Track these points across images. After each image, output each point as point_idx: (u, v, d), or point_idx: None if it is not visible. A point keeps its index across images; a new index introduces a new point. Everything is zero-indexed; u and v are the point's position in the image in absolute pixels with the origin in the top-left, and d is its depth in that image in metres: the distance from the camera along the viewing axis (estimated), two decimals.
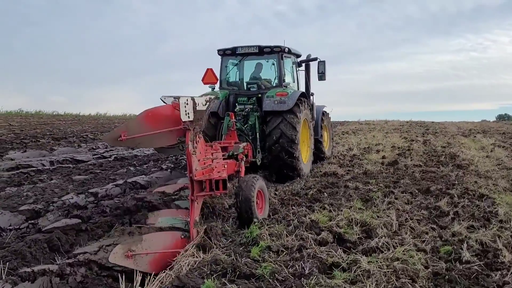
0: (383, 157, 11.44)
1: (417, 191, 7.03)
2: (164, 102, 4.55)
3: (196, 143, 4.53)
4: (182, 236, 4.17)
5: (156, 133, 3.98)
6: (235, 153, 6.56)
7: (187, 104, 3.99)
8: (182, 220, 4.58)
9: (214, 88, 8.99)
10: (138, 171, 8.68)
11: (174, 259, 3.88)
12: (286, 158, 8.02)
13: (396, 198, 6.50)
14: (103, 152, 11.45)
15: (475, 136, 18.26)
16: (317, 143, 10.41)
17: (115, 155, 10.76)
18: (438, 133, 20.09)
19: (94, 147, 12.69)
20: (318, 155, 10.60)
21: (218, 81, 9.05)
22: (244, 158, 6.38)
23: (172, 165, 9.60)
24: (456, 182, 7.96)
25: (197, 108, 4.19)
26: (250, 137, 8.26)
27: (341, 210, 5.67)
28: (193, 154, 4.30)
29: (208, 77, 8.80)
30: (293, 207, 5.94)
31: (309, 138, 9.37)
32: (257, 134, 8.31)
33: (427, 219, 5.48)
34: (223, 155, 6.23)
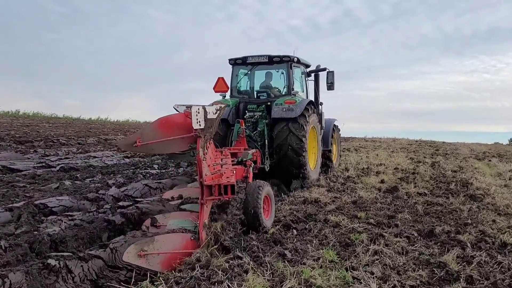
0: (382, 181, 9.67)
1: (416, 234, 5.26)
2: (177, 111, 4.76)
3: (206, 149, 4.60)
4: (192, 238, 4.30)
5: (169, 140, 4.18)
6: (244, 159, 6.60)
7: (199, 113, 4.17)
8: (191, 223, 4.64)
9: (225, 96, 9.17)
10: (74, 187, 7.04)
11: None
12: (293, 160, 8.16)
13: (386, 245, 4.74)
14: (55, 160, 9.86)
15: (490, 160, 16.38)
16: (326, 155, 10.62)
17: (64, 165, 9.15)
18: (448, 155, 18.21)
19: (51, 153, 11.10)
20: (326, 166, 10.78)
21: (229, 89, 9.27)
22: (253, 164, 6.44)
23: (123, 180, 7.95)
24: (469, 221, 6.19)
25: (208, 116, 4.32)
26: (259, 144, 8.43)
27: (303, 263, 3.95)
28: (203, 160, 4.42)
29: (219, 86, 9.04)
30: (241, 253, 4.22)
31: (317, 146, 9.51)
32: (266, 140, 8.49)
33: (425, 286, 3.72)
34: (232, 161, 6.21)
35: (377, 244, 4.68)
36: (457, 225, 5.98)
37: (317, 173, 9.45)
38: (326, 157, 10.64)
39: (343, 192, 8.40)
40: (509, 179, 11.10)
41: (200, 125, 4.17)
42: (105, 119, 37.40)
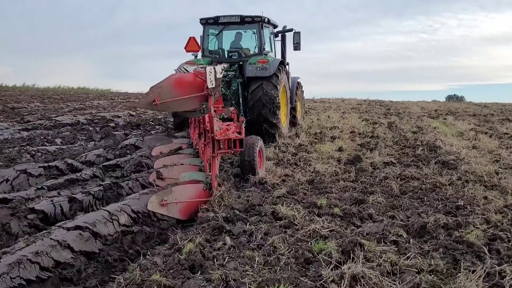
0: (340, 149, 8.08)
1: (405, 235, 3.62)
2: (186, 70, 5.61)
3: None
4: (204, 188, 4.74)
5: (184, 98, 4.33)
6: (226, 116, 7.02)
7: (211, 72, 4.38)
8: (203, 175, 5.06)
9: (196, 56, 9.20)
10: None
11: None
12: (268, 117, 8.38)
13: (367, 259, 3.06)
14: None
15: (445, 119, 15.43)
16: (291, 112, 10.67)
17: None
18: (401, 114, 17.14)
19: None
20: (292, 122, 10.84)
21: (200, 49, 9.31)
22: (244, 121, 6.33)
23: None
24: (460, 202, 4.72)
25: (217, 76, 4.53)
26: (233, 102, 8.64)
27: None
28: (215, 116, 4.87)
29: (191, 45, 9.06)
30: None
31: (286, 103, 9.79)
32: (240, 99, 8.80)
33: None
34: None
35: (355, 261, 2.98)
36: (448, 209, 4.49)
37: (287, 128, 9.81)
38: (291, 113, 10.69)
39: (295, 166, 6.71)
40: (474, 139, 9.99)
41: (212, 84, 4.38)
42: (32, 85, 33.31)
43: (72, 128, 10.05)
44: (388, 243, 3.37)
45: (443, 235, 3.60)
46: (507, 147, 8.82)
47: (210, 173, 4.87)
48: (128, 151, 7.14)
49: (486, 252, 3.20)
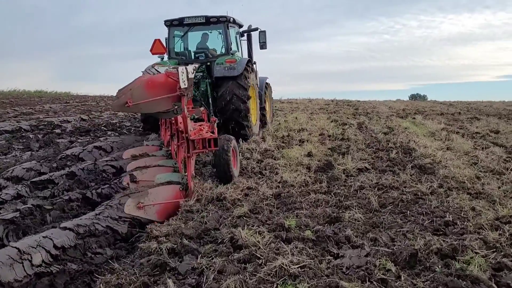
0: (310, 155, 7.40)
1: (394, 268, 2.91)
2: (157, 71, 5.56)
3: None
4: (181, 189, 4.73)
5: (156, 100, 4.28)
6: (196, 116, 6.88)
7: (183, 73, 4.40)
8: (178, 175, 5.07)
9: (163, 58, 9.09)
10: None
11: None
12: (238, 117, 8.35)
13: None
14: None
15: (414, 118, 15.12)
16: (261, 111, 10.49)
17: None
18: (370, 114, 16.75)
19: None
20: (261, 123, 10.60)
21: (166, 51, 9.16)
22: (217, 120, 6.26)
23: None
24: (448, 216, 4.11)
25: (189, 76, 4.54)
26: (203, 103, 8.60)
27: None
28: (188, 117, 4.82)
29: (156, 48, 8.91)
30: None
31: (256, 103, 9.66)
32: (209, 99, 8.74)
33: None
34: None
35: None
36: (436, 226, 3.86)
37: (257, 127, 9.69)
38: (260, 113, 10.47)
39: (260, 176, 5.97)
40: (447, 140, 9.57)
41: (185, 84, 4.38)
42: None
43: (11, 135, 8.92)
44: (374, 282, 2.66)
45: (439, 266, 2.92)
46: (483, 148, 8.41)
47: (186, 174, 4.82)
48: (68, 163, 6.17)
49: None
